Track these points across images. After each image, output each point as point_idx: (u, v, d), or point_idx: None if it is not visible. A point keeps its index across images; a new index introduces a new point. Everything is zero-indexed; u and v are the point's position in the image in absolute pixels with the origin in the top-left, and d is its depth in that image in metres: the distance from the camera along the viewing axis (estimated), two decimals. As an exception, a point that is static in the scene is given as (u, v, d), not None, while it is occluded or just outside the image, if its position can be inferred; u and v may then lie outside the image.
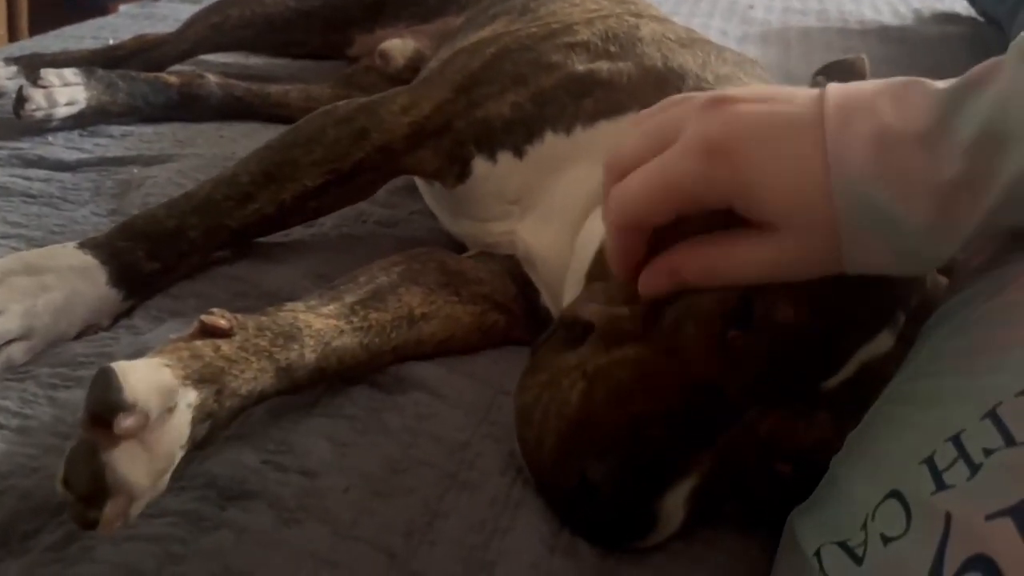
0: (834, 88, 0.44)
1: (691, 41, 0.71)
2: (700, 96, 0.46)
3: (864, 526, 0.39)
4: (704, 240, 0.46)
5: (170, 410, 0.42)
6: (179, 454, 0.43)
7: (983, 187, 0.39)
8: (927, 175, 0.40)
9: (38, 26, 1.92)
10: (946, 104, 0.41)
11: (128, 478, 0.39)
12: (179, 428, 0.43)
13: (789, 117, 0.43)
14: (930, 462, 0.37)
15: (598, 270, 0.57)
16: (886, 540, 0.37)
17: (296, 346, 0.51)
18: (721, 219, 0.45)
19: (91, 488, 0.39)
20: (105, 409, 0.39)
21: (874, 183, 0.41)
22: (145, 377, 0.41)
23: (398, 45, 1.08)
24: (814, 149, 0.42)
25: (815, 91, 0.44)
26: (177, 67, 1.13)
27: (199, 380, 0.45)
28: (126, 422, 0.39)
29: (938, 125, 0.41)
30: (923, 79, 0.43)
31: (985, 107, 0.40)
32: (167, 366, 0.44)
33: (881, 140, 0.41)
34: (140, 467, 0.40)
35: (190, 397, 0.44)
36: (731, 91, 0.46)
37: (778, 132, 0.43)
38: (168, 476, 0.42)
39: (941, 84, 0.43)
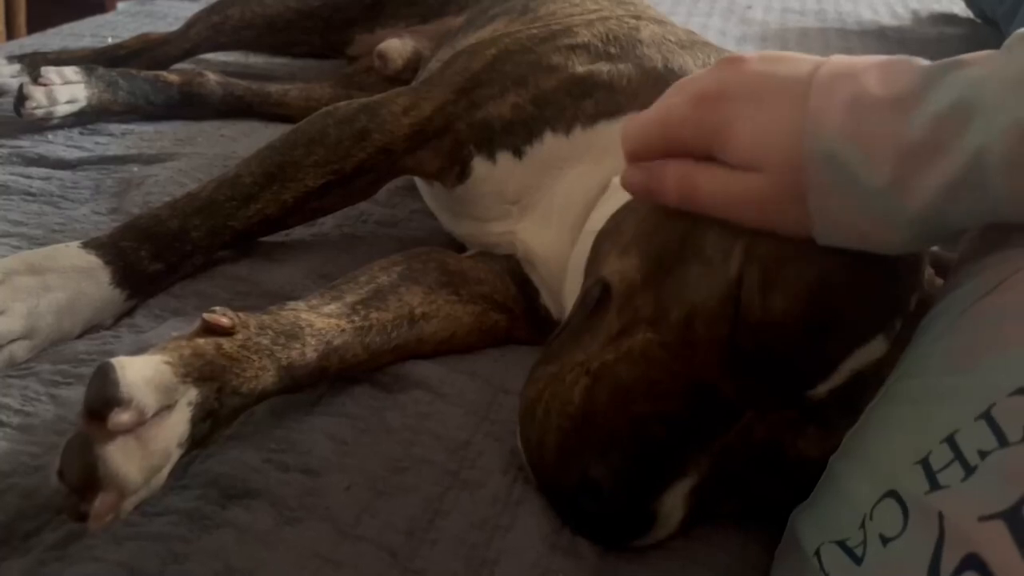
0: (834, 59, 0.46)
1: (691, 43, 0.71)
2: (726, 55, 0.51)
3: (862, 525, 0.39)
4: (692, 161, 0.49)
5: (169, 407, 0.42)
6: (177, 452, 0.43)
7: (945, 154, 0.40)
8: (891, 136, 0.42)
9: (36, 23, 1.92)
10: (926, 76, 0.42)
11: (120, 473, 0.39)
12: (177, 426, 0.43)
13: (783, 78, 0.46)
14: (925, 463, 0.37)
15: (598, 246, 0.57)
16: (884, 540, 0.37)
17: (298, 345, 0.52)
18: None
19: (83, 480, 0.39)
20: (101, 403, 0.39)
21: (840, 139, 0.43)
22: (144, 373, 0.41)
23: (396, 46, 1.08)
24: (795, 107, 0.44)
25: (819, 60, 0.46)
26: (178, 66, 1.13)
27: (200, 378, 0.45)
28: (121, 417, 0.39)
29: (914, 93, 0.42)
30: (915, 57, 0.45)
31: (963, 82, 0.41)
32: (167, 363, 0.44)
33: (857, 103, 0.43)
34: (133, 463, 0.40)
35: (191, 395, 0.44)
36: (745, 53, 0.49)
37: (768, 90, 0.46)
38: (165, 473, 0.42)
39: (928, 62, 0.44)
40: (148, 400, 0.41)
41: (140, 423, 0.40)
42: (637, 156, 0.51)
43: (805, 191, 0.44)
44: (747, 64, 0.48)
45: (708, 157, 0.48)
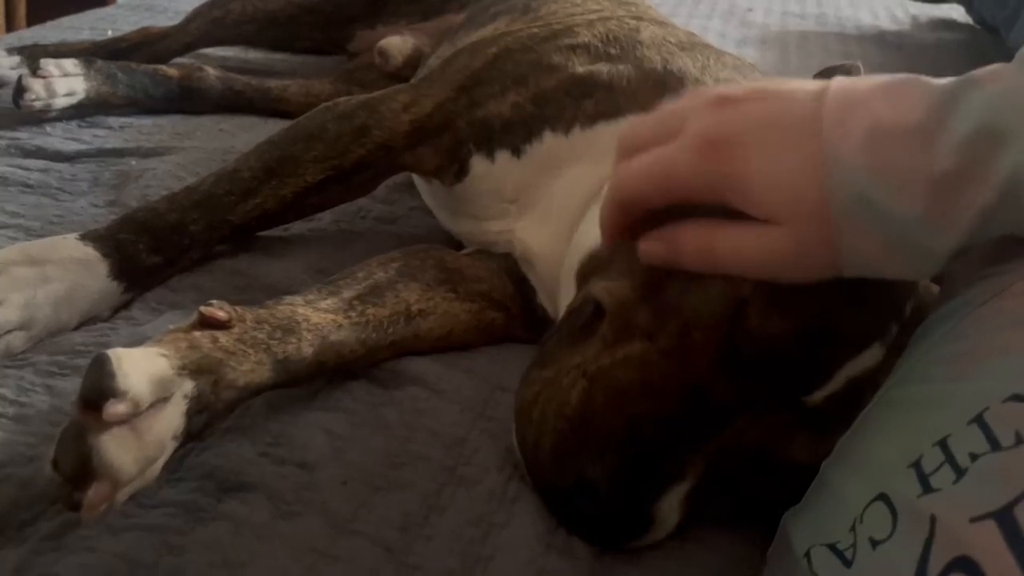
0: (835, 86, 0.44)
1: (691, 45, 0.72)
2: (709, 92, 0.47)
3: (853, 528, 0.39)
4: (708, 221, 0.46)
5: (165, 400, 0.43)
6: (172, 444, 0.43)
7: (977, 182, 0.40)
8: (919, 168, 0.40)
9: (36, 16, 1.91)
10: (942, 100, 0.41)
11: (114, 463, 0.39)
12: (173, 418, 0.43)
13: (789, 116, 0.44)
14: (917, 466, 0.37)
15: (589, 269, 0.57)
16: (874, 543, 0.37)
17: (294, 340, 0.52)
18: (720, 214, 0.45)
19: (77, 470, 0.39)
20: (97, 394, 0.39)
21: (866, 176, 0.41)
22: (140, 365, 0.41)
23: (397, 43, 1.09)
24: (810, 146, 0.42)
25: (817, 86, 0.44)
26: (177, 60, 1.13)
27: (196, 371, 0.45)
28: (116, 408, 0.39)
29: (932, 120, 0.41)
30: (921, 76, 0.44)
31: (983, 104, 0.40)
32: (164, 356, 0.44)
33: (874, 134, 0.41)
34: (128, 453, 0.40)
35: (186, 388, 0.44)
36: (737, 90, 0.46)
37: (776, 130, 0.44)
38: (159, 465, 0.43)
39: (938, 81, 0.43)
40: (144, 392, 0.41)
41: (135, 414, 0.41)
42: (632, 207, 0.48)
43: (834, 235, 0.42)
44: (745, 103, 0.45)
45: (714, 207, 0.45)
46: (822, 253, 0.43)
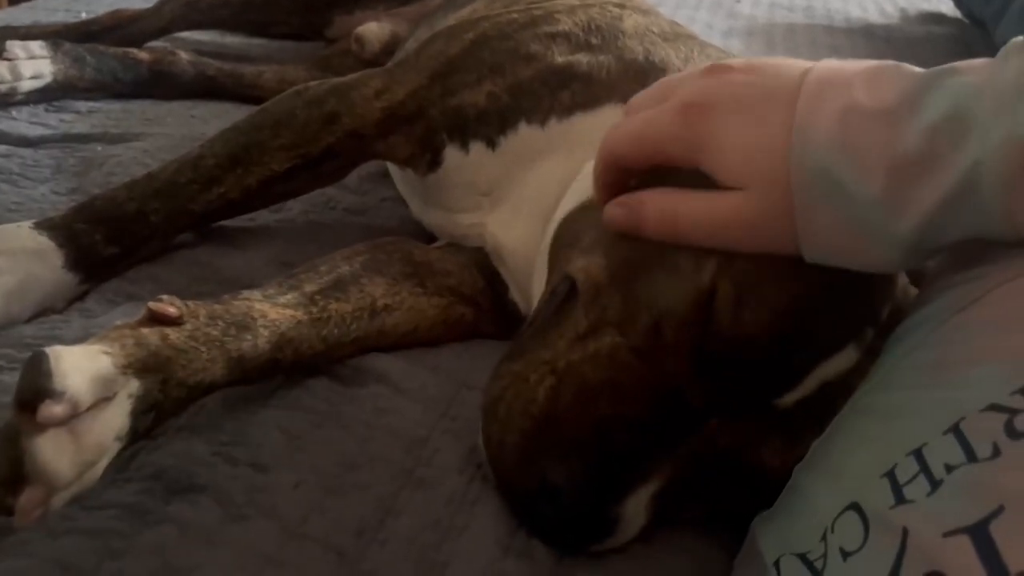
0: (822, 64, 0.44)
1: (675, 35, 0.70)
2: (704, 64, 0.48)
3: (824, 538, 0.38)
4: (671, 189, 0.47)
5: (107, 399, 0.41)
6: (115, 445, 0.41)
7: (941, 168, 0.39)
8: (885, 148, 0.40)
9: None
10: (918, 85, 0.41)
11: (48, 467, 0.38)
12: (115, 419, 0.41)
13: (770, 88, 0.44)
14: (891, 475, 0.36)
15: (566, 239, 0.56)
16: (845, 554, 0.36)
17: (249, 336, 0.50)
18: (695, 180, 0.46)
19: (9, 474, 0.37)
20: (32, 394, 0.38)
21: (832, 153, 0.41)
22: (79, 364, 0.40)
23: (374, 29, 1.06)
24: (782, 119, 0.42)
25: (805, 65, 0.45)
26: (151, 44, 1.11)
27: (142, 369, 0.43)
28: (52, 409, 0.37)
29: (905, 103, 0.40)
30: (904, 64, 0.43)
31: (956, 92, 0.39)
32: (107, 353, 0.42)
33: (846, 113, 0.41)
34: (64, 457, 0.38)
35: (131, 387, 0.42)
36: (729, 61, 0.47)
37: (754, 100, 0.44)
38: (100, 468, 0.41)
39: (919, 70, 0.42)
40: (82, 392, 0.39)
41: (73, 416, 0.39)
42: (617, 166, 0.49)
43: (793, 207, 0.42)
44: (732, 73, 0.46)
45: (694, 169, 0.45)
46: (783, 225, 0.43)
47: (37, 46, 0.93)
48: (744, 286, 0.44)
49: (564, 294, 0.51)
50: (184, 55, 1.03)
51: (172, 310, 0.47)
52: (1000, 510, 0.31)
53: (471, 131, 0.65)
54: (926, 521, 0.33)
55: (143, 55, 1.01)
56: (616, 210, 0.49)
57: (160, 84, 1.01)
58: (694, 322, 0.45)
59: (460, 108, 0.65)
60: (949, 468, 0.34)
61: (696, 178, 0.45)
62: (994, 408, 0.34)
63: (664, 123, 0.46)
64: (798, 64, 0.45)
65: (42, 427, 0.38)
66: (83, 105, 0.95)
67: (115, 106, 0.96)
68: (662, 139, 0.46)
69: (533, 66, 0.65)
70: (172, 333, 0.46)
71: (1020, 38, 0.40)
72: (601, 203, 0.50)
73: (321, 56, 1.13)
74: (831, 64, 0.44)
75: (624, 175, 0.50)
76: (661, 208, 0.47)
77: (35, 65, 0.92)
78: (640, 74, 0.64)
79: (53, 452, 0.38)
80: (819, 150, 0.41)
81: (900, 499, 0.35)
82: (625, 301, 0.48)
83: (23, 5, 1.31)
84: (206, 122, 0.95)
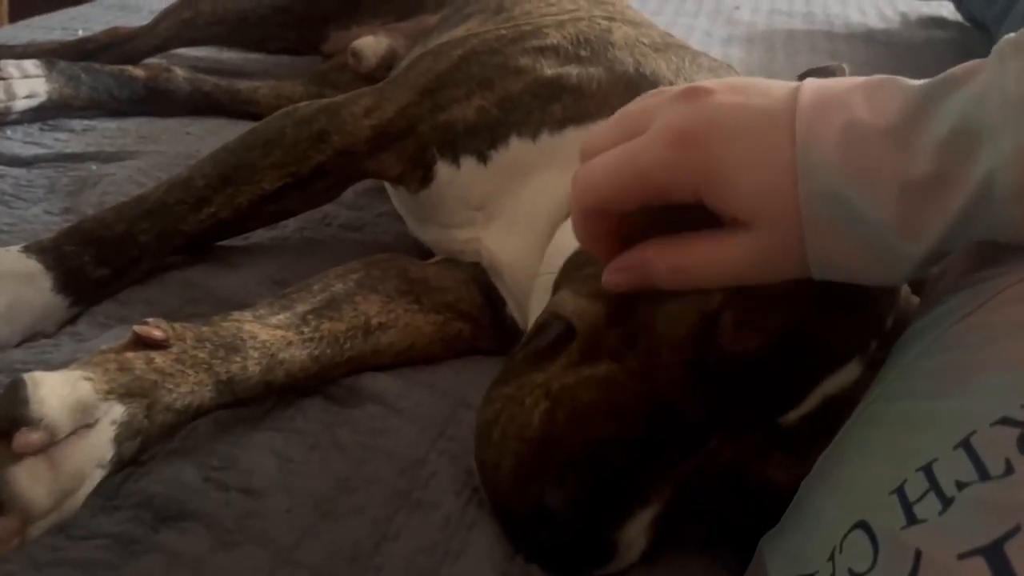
0: (810, 83, 0.42)
1: (666, 46, 0.69)
2: (676, 87, 0.45)
3: (831, 558, 0.37)
4: (673, 239, 0.44)
5: (89, 426, 0.40)
6: (98, 473, 0.40)
7: (954, 185, 0.38)
8: (895, 170, 0.39)
9: (19, 15, 1.88)
10: (920, 101, 0.40)
11: (24, 496, 0.37)
12: (97, 446, 0.40)
13: (762, 109, 0.42)
14: (900, 492, 0.35)
15: (570, 274, 0.54)
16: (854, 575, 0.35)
17: (238, 358, 0.49)
18: (691, 214, 0.43)
19: None
20: (8, 422, 0.37)
21: (840, 176, 0.39)
22: (58, 390, 0.39)
23: (371, 43, 1.06)
24: (784, 142, 0.40)
25: (791, 85, 0.43)
26: (147, 60, 1.10)
27: (126, 394, 0.42)
28: (28, 437, 0.37)
29: (909, 121, 0.39)
30: (899, 77, 0.42)
31: (960, 105, 0.38)
32: (87, 379, 0.41)
33: (849, 133, 0.39)
34: (41, 486, 0.37)
35: (114, 412, 0.41)
36: (707, 83, 0.44)
37: (750, 124, 0.42)
38: (81, 496, 0.40)
39: (916, 82, 0.41)
40: (61, 419, 0.38)
41: (51, 443, 0.38)
42: (600, 212, 0.45)
43: (806, 235, 0.40)
44: (716, 96, 0.42)
45: (695, 201, 0.42)
46: (793, 257, 0.41)
47: (32, 65, 0.92)
48: (747, 303, 0.43)
49: (556, 334, 0.50)
50: (180, 71, 1.03)
51: (158, 333, 0.46)
52: (1016, 530, 0.30)
53: (461, 146, 0.64)
54: (939, 542, 0.32)
55: (139, 72, 1.00)
56: (619, 276, 0.45)
57: (156, 101, 1.00)
58: (695, 338, 0.44)
59: (450, 123, 0.65)
60: (960, 485, 0.33)
61: (694, 212, 0.43)
62: (1005, 422, 0.33)
63: (654, 156, 0.42)
64: (781, 83, 0.43)
65: (18, 455, 0.37)
66: (78, 124, 0.94)
67: (110, 124, 0.95)
68: (656, 174, 0.42)
69: (522, 79, 0.64)
70: (158, 356, 0.45)
71: (1011, 36, 0.39)
72: (591, 251, 0.47)
73: (318, 71, 1.13)
74: (817, 83, 0.42)
75: (610, 220, 0.45)
76: (670, 264, 0.44)
77: (30, 84, 0.91)
78: (631, 86, 0.63)
79: (29, 481, 0.37)
80: (826, 173, 0.39)
81: (911, 519, 0.34)
82: (624, 331, 0.47)
83: (20, 24, 1.31)
84: (201, 139, 0.94)
